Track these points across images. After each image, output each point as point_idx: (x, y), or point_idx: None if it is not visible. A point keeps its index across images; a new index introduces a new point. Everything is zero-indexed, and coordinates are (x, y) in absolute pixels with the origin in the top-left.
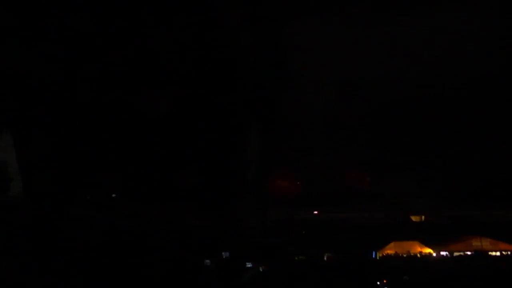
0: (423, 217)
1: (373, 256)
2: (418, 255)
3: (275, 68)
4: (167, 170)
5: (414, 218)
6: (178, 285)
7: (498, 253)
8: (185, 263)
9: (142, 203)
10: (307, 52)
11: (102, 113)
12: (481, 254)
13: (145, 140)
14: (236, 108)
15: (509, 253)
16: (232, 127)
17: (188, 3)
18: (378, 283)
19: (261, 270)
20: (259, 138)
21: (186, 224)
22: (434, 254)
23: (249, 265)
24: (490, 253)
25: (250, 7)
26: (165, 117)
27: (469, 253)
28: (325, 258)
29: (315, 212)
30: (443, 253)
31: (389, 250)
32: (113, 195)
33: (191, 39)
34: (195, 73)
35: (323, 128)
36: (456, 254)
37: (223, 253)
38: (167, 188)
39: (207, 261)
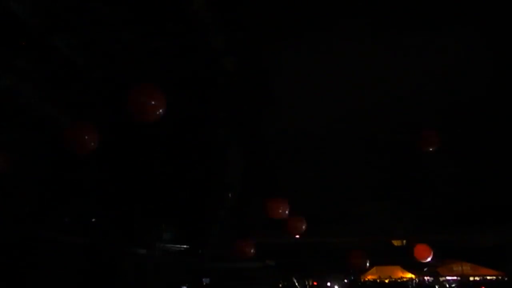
0: (404, 241)
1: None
2: (399, 280)
3: (258, 90)
4: (146, 193)
5: (395, 243)
6: None
7: (478, 278)
8: None
9: (119, 226)
10: (291, 76)
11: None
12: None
13: (124, 162)
14: (217, 129)
15: (488, 277)
16: (213, 149)
17: (173, 25)
18: None
19: None
20: (241, 162)
21: (166, 248)
22: (416, 279)
23: None
24: (471, 278)
25: (235, 31)
26: (144, 138)
27: (449, 278)
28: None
29: (297, 236)
30: (425, 278)
31: (371, 275)
32: (93, 219)
33: (175, 61)
34: (177, 93)
35: (308, 151)
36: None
37: (203, 279)
38: (146, 210)
39: (184, 287)
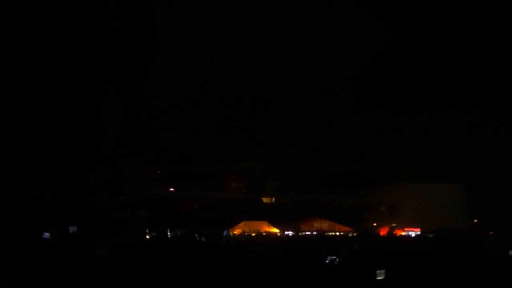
0: (273, 199)
1: (224, 235)
2: (264, 233)
3: (142, 42)
4: (16, 136)
5: (265, 200)
6: (18, 260)
7: (334, 233)
8: (24, 237)
9: None
10: (178, 28)
11: None
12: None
13: None
14: (97, 77)
15: (343, 233)
16: (91, 96)
17: None
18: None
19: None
20: (119, 112)
21: (31, 195)
22: (279, 234)
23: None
24: (327, 233)
25: None
26: (17, 81)
27: (309, 233)
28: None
29: (171, 189)
30: (287, 232)
31: (239, 229)
32: None
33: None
34: (54, 36)
35: (186, 107)
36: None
37: (70, 227)
38: (14, 155)
39: (47, 234)
